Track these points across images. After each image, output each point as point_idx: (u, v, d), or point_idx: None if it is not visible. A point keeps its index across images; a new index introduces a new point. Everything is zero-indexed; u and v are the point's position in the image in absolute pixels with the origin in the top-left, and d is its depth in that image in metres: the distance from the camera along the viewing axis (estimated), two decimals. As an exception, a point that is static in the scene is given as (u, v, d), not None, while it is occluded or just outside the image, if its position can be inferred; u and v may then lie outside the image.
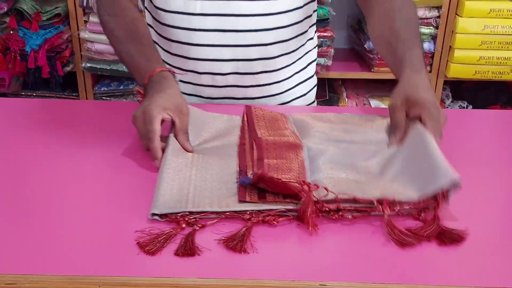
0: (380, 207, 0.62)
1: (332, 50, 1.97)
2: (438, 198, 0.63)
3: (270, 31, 0.93)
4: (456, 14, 1.91)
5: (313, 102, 1.11)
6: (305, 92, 1.07)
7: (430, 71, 2.01)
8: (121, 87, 2.03)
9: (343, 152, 0.76)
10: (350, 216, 0.63)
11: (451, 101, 2.14)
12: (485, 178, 0.76)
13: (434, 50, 1.96)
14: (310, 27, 1.04)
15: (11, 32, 1.90)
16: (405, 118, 0.78)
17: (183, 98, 0.82)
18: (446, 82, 2.08)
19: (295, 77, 1.04)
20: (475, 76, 1.96)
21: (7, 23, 1.89)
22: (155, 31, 1.01)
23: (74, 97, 2.06)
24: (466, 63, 1.94)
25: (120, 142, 0.81)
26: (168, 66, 0.92)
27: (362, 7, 1.01)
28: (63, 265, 0.56)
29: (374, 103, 2.07)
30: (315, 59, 1.10)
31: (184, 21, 0.93)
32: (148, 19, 1.03)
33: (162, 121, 0.76)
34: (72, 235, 0.61)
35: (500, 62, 1.93)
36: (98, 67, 1.96)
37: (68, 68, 1.98)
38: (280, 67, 0.99)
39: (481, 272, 0.57)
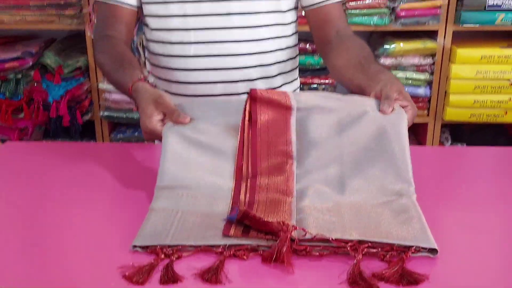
0: (352, 252, 0.65)
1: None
2: (409, 250, 0.66)
3: (255, 68, 1.07)
4: (449, 61, 2.04)
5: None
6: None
7: (428, 115, 2.12)
8: (136, 134, 2.15)
9: (336, 167, 0.80)
10: (317, 253, 0.66)
11: (450, 144, 2.23)
12: (480, 217, 0.79)
13: (430, 95, 2.08)
14: (293, 69, 1.17)
15: (35, 84, 2.05)
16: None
17: (152, 93, 0.88)
18: (445, 125, 2.18)
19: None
20: (471, 119, 2.06)
21: (32, 76, 2.04)
22: (154, 75, 1.14)
23: (91, 144, 2.18)
24: (461, 106, 2.05)
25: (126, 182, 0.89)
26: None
27: (321, 48, 1.12)
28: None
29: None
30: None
31: (181, 62, 1.06)
32: (147, 66, 1.17)
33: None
34: (61, 271, 0.65)
35: (494, 105, 2.03)
36: (115, 115, 2.09)
37: (87, 117, 2.12)
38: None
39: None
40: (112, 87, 1.99)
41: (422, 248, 0.66)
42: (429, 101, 2.09)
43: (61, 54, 2.09)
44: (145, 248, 0.67)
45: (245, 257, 0.66)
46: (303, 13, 1.14)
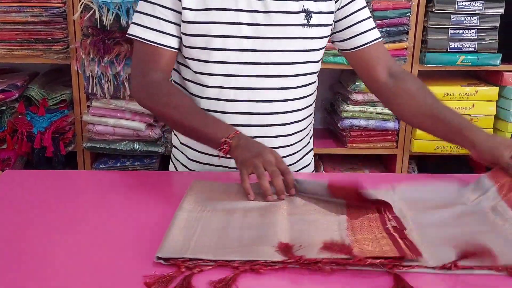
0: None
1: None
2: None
3: (289, 113, 1.13)
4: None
5: (313, 170, 1.32)
6: (309, 162, 1.27)
7: (397, 147, 2.26)
8: (118, 164, 2.19)
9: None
10: (329, 268, 0.70)
11: (417, 174, 2.37)
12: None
13: (398, 128, 2.22)
14: (313, 111, 1.25)
15: (20, 116, 2.09)
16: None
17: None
18: (412, 157, 2.32)
19: (303, 150, 1.22)
20: (436, 151, 2.21)
21: (16, 108, 2.09)
22: None
23: (73, 174, 2.21)
24: (427, 139, 2.19)
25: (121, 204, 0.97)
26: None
27: (375, 88, 1.20)
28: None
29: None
30: (312, 135, 1.31)
31: (219, 105, 1.10)
32: None
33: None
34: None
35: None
36: (98, 146, 2.14)
37: (70, 148, 2.16)
38: (294, 142, 1.17)
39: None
40: (97, 119, 1.99)
41: None
42: (398, 134, 2.24)
43: (45, 87, 2.14)
44: (167, 260, 0.72)
45: (262, 270, 0.70)
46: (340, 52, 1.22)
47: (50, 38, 2.04)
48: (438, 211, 0.90)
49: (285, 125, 1.14)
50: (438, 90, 2.15)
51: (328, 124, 2.46)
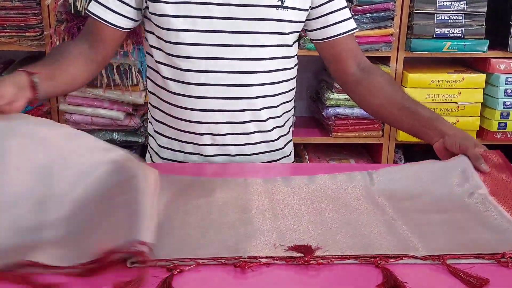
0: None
1: (294, 118, 2.16)
2: None
3: (261, 98, 1.09)
4: (401, 85, 2.15)
5: (293, 161, 1.27)
6: (289, 153, 1.23)
7: (382, 136, 2.22)
8: (97, 155, 2.14)
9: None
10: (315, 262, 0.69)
11: (403, 163, 2.34)
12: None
13: (384, 116, 2.18)
14: (292, 99, 1.20)
15: (-7, 105, 2.02)
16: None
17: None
18: (398, 146, 2.28)
19: (281, 140, 1.18)
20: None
21: (-10, 97, 2.01)
22: (158, 96, 1.14)
23: (51, 166, 2.14)
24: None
25: None
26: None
27: (342, 80, 1.18)
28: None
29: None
30: (292, 124, 1.26)
31: (192, 90, 1.07)
32: (150, 87, 1.17)
33: None
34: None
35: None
36: (76, 136, 2.08)
37: (46, 138, 2.09)
38: (270, 129, 1.13)
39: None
40: (74, 108, 1.97)
41: None
42: (383, 123, 2.19)
43: (20, 75, 2.07)
44: (143, 263, 0.66)
45: (248, 267, 0.66)
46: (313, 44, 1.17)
47: (23, 24, 1.97)
48: (420, 198, 0.87)
49: (258, 111, 1.11)
50: (424, 77, 2.12)
51: (313, 112, 2.41)
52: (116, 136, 2.06)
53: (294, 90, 1.21)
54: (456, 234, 0.75)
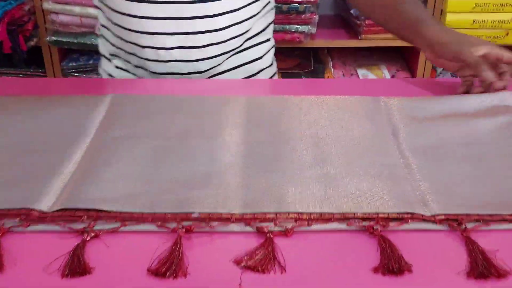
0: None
1: (317, 17, 1.85)
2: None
3: (218, 1, 0.87)
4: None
5: (275, 71, 1.05)
6: (270, 63, 1.01)
7: (421, 37, 1.90)
8: (91, 62, 1.89)
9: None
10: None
11: (442, 69, 2.05)
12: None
13: (425, 14, 1.85)
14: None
15: (-34, 4, 1.75)
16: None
17: None
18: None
19: (245, 44, 0.97)
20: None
21: (-38, -5, 1.74)
22: (107, 17, 0.95)
23: (41, 74, 1.92)
24: (459, 27, 1.83)
25: None
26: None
27: None
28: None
29: (361, 72, 1.96)
30: (271, 22, 1.02)
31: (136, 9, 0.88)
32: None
33: None
34: None
35: (495, 26, 1.83)
36: (64, 40, 1.82)
37: (32, 43, 1.84)
38: (230, 37, 0.92)
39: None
40: (60, 7, 1.74)
41: None
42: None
43: (-4, -33, 1.77)
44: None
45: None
46: None
47: None
48: (446, 126, 0.69)
49: (220, 30, 0.90)
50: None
51: (339, 10, 2.08)
52: (110, 39, 1.80)
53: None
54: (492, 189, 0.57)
